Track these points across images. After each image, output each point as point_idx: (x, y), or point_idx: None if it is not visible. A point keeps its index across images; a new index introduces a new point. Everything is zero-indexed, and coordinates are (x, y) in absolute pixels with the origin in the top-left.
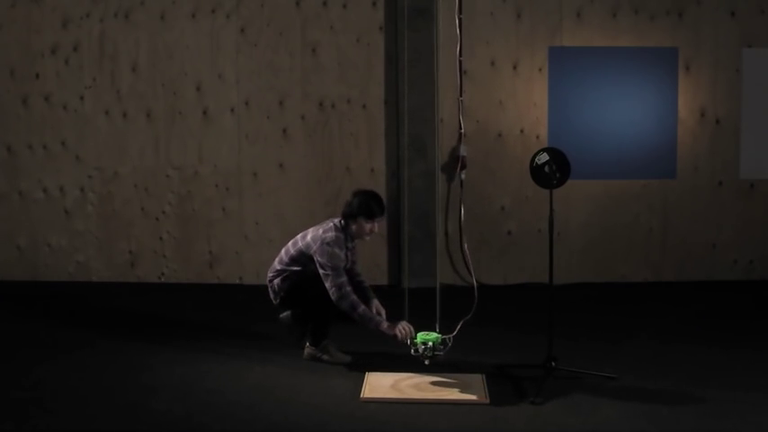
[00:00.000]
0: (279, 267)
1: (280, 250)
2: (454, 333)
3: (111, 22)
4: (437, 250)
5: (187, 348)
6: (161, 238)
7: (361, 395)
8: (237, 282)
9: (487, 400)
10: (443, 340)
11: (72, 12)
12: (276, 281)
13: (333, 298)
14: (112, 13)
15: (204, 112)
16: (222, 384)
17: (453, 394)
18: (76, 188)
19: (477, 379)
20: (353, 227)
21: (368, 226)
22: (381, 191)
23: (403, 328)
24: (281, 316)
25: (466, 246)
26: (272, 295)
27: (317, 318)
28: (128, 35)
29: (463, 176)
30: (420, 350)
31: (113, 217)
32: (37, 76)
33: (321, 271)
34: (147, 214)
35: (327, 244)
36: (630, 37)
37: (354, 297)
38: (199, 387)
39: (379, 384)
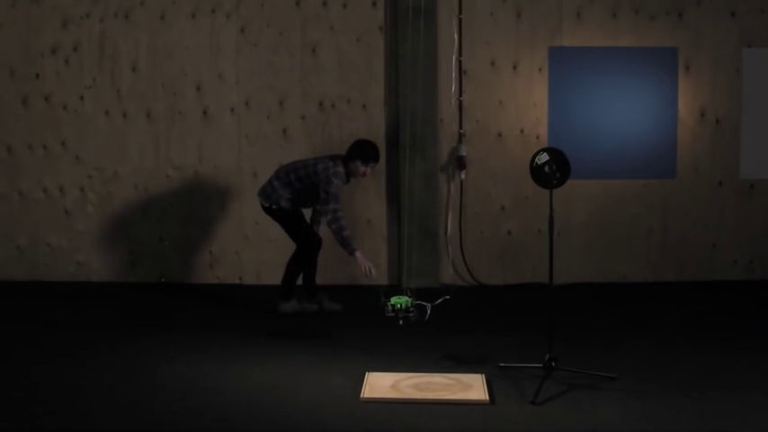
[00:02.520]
0: (286, 185)
1: (279, 249)
2: (435, 303)
3: (111, 22)
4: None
5: (187, 348)
6: (161, 238)
7: (361, 395)
8: (237, 282)
9: (487, 400)
10: (413, 303)
11: (72, 12)
12: (284, 200)
13: (327, 218)
14: (112, 13)
15: (204, 112)
16: (222, 384)
17: (453, 394)
18: (76, 188)
19: (477, 379)
20: (351, 166)
21: (362, 168)
22: (381, 191)
23: (369, 266)
24: (283, 311)
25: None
26: (265, 201)
27: (295, 273)
28: (128, 35)
29: (463, 176)
30: (391, 311)
31: (113, 217)
32: (37, 76)
33: (323, 195)
34: (147, 214)
35: (335, 177)
36: (630, 37)
37: (344, 222)
38: (199, 387)
39: (379, 384)
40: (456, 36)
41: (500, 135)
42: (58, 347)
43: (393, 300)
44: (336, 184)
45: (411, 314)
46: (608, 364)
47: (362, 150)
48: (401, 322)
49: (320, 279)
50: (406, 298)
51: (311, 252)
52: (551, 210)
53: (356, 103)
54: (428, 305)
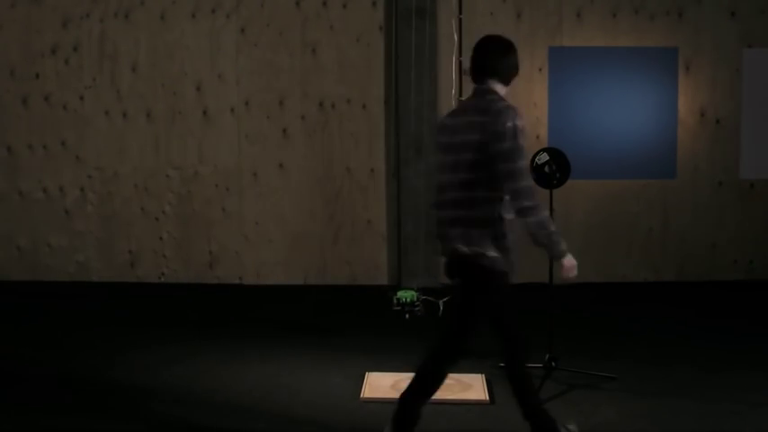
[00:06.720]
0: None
1: (279, 249)
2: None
3: (111, 22)
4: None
5: (187, 348)
6: (161, 238)
7: (361, 395)
8: (237, 282)
9: (487, 400)
10: (420, 298)
11: (72, 12)
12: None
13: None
14: (112, 13)
15: (204, 112)
16: (222, 384)
17: (453, 394)
18: (76, 188)
19: (477, 379)
20: None
21: None
22: (381, 191)
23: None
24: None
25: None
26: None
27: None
28: (128, 35)
29: None
30: (397, 304)
31: (113, 217)
32: (37, 76)
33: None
34: (147, 214)
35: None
36: (630, 37)
37: None
38: (199, 387)
39: (379, 384)
40: (456, 36)
41: None
42: (58, 347)
43: (399, 293)
44: None
45: (417, 308)
46: (608, 364)
47: None
48: (407, 316)
49: (320, 280)
50: (412, 292)
51: (524, 351)
52: (551, 210)
53: (356, 103)
54: (440, 302)
